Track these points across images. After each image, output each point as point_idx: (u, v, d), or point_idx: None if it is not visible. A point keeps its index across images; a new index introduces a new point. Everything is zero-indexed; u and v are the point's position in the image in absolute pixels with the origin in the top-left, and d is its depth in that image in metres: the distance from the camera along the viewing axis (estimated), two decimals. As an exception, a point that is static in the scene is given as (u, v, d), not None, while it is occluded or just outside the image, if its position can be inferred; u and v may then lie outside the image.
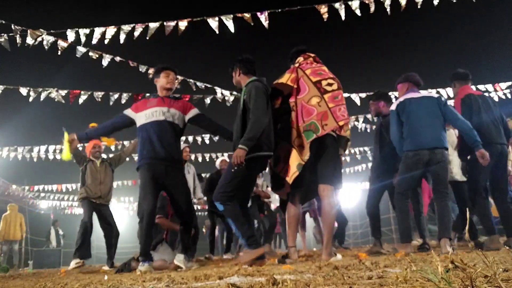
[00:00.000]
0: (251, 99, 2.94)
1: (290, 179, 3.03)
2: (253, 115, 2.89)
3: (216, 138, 9.99)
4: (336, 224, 5.21)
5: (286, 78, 3.22)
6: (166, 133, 3.29)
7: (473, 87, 8.12)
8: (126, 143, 10.00)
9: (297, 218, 3.25)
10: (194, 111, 3.46)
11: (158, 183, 3.25)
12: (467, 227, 2.63)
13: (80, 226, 4.94)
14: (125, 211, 17.07)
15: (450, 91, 8.04)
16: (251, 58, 3.23)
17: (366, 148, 11.85)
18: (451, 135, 4.44)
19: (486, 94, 8.17)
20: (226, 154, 11.48)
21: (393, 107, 3.55)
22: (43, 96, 6.63)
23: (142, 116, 3.35)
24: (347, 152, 4.02)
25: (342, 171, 3.33)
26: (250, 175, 3.04)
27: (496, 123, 3.57)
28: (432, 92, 3.58)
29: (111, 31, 5.37)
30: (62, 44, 5.56)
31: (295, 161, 3.03)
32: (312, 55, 3.40)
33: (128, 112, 3.47)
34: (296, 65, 3.34)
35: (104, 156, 5.54)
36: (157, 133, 3.26)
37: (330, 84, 3.17)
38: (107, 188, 5.12)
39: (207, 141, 9.91)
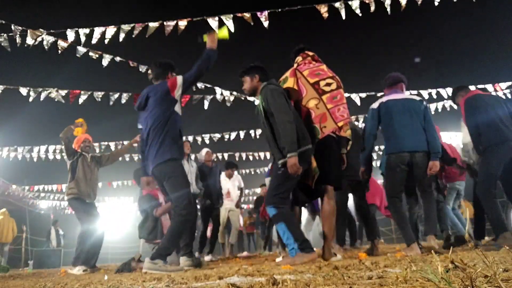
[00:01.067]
0: (270, 104, 2.88)
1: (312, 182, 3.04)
2: (278, 119, 2.82)
3: (215, 138, 10.01)
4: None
5: (292, 83, 3.14)
6: None
7: (474, 88, 8.18)
8: (125, 143, 10.06)
9: (296, 218, 3.25)
10: None
11: None
12: (466, 227, 2.64)
13: (79, 237, 4.51)
14: (125, 211, 17.05)
15: (450, 91, 8.04)
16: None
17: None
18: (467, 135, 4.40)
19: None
20: (226, 155, 11.49)
21: (374, 105, 3.45)
22: (43, 96, 6.63)
23: (178, 104, 3.27)
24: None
25: (342, 171, 3.32)
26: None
27: (507, 121, 3.42)
28: (414, 96, 3.50)
29: (111, 31, 5.37)
30: (62, 44, 5.56)
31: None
32: (311, 53, 3.36)
33: None
34: (295, 65, 3.31)
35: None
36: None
37: (328, 84, 3.13)
38: (95, 186, 4.81)
39: (207, 141, 9.92)
